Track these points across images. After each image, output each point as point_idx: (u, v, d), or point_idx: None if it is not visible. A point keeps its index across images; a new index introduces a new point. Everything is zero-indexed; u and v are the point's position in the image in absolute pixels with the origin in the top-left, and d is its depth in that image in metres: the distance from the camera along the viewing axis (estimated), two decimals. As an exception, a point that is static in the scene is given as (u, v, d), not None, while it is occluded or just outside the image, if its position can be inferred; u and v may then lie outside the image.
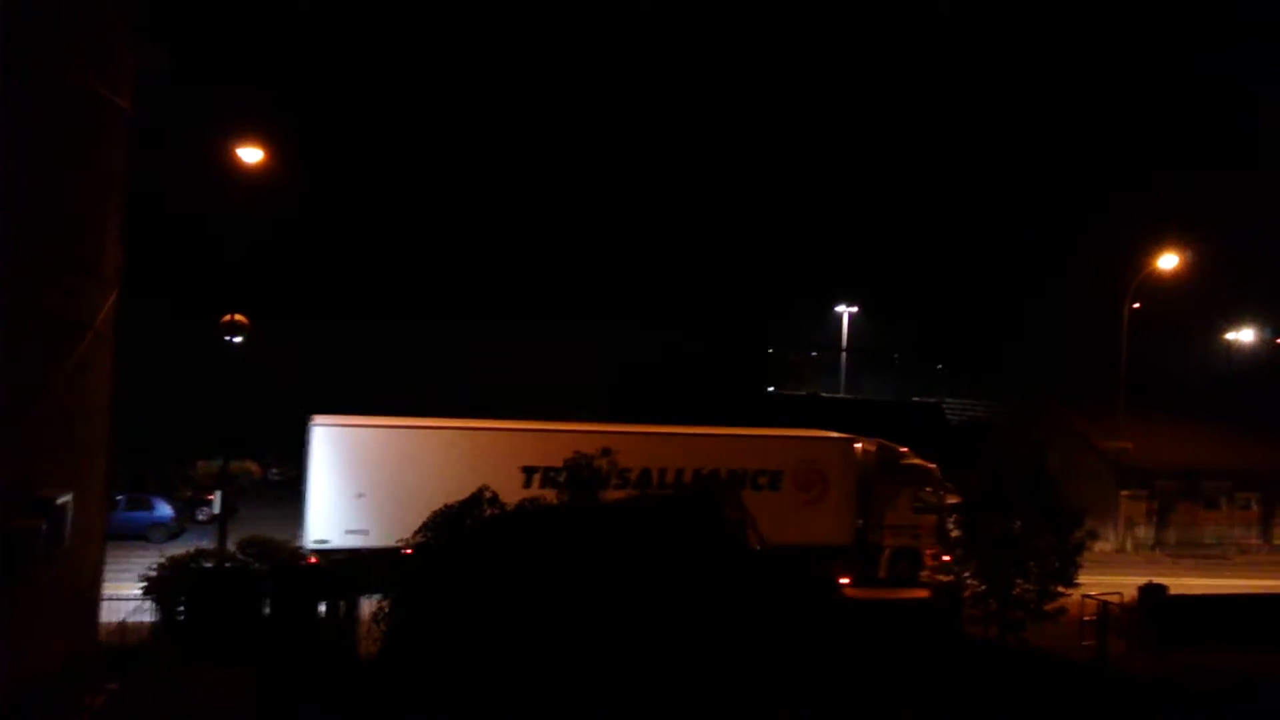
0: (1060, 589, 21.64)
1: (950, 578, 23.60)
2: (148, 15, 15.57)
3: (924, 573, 27.71)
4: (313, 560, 21.83)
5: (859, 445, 28.92)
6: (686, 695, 10.76)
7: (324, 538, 22.92)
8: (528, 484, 24.63)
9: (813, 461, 27.71)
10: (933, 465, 29.70)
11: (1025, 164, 79.12)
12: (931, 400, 64.92)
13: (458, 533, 13.09)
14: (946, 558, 28.76)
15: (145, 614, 19.18)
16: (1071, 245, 59.60)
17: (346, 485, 23.31)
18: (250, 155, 21.71)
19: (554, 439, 25.61)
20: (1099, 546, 35.74)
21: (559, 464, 24.72)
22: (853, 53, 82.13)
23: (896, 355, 75.22)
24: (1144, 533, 38.96)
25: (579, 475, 18.64)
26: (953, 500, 26.53)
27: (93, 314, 14.47)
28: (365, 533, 22.99)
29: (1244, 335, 60.58)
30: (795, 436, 29.23)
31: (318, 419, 23.90)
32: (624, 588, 11.07)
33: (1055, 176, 75.13)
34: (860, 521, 28.12)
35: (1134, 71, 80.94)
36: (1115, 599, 23.12)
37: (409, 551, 13.40)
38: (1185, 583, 27.54)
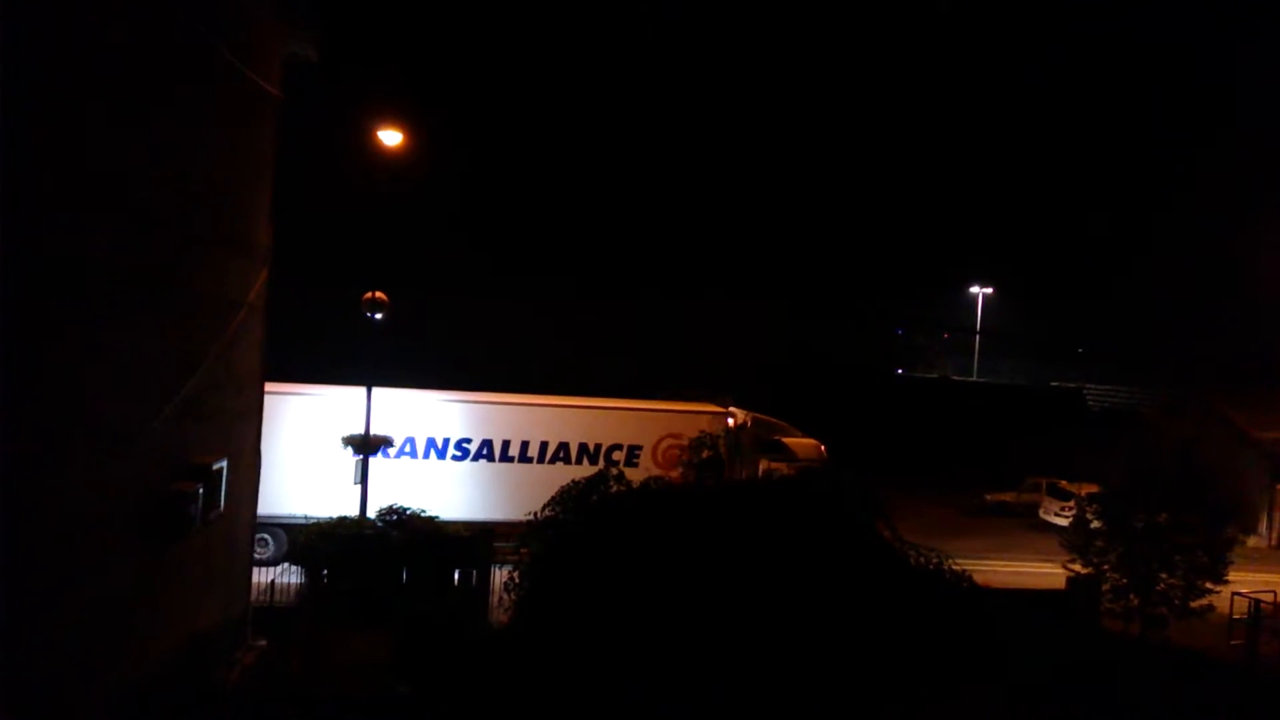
0: (1208, 585, 20.75)
1: None
2: (298, 5, 16.23)
3: None
4: None
5: (731, 420, 26.91)
6: (815, 681, 10.70)
7: None
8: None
9: (677, 436, 25.36)
10: (817, 442, 27.93)
11: (1178, 136, 75.13)
12: (1071, 386, 62.45)
13: (585, 508, 13.29)
14: None
15: (292, 576, 20.20)
16: (1227, 224, 56.40)
17: None
18: (390, 138, 22.34)
19: (402, 404, 24.06)
20: (1252, 542, 33.96)
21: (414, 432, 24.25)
22: (987, 24, 79.24)
23: (1034, 338, 72.68)
24: (1302, 529, 36.72)
25: (701, 453, 18.68)
26: (1091, 490, 25.54)
27: (246, 290, 15.22)
28: None
29: None
30: (656, 409, 26.95)
31: None
32: (753, 570, 11.06)
33: (1212, 148, 70.97)
34: None
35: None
36: (1269, 598, 21.94)
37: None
38: (1348, 584, 25.85)
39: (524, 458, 25.14)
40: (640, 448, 25.68)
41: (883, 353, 65.87)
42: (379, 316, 22.43)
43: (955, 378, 67.11)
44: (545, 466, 25.10)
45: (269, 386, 17.16)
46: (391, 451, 23.98)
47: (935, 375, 67.13)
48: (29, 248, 8.50)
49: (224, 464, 13.69)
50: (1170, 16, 78.35)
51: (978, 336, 71.42)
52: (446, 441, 24.87)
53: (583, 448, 25.47)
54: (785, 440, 28.08)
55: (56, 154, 8.95)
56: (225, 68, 13.27)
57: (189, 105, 12.33)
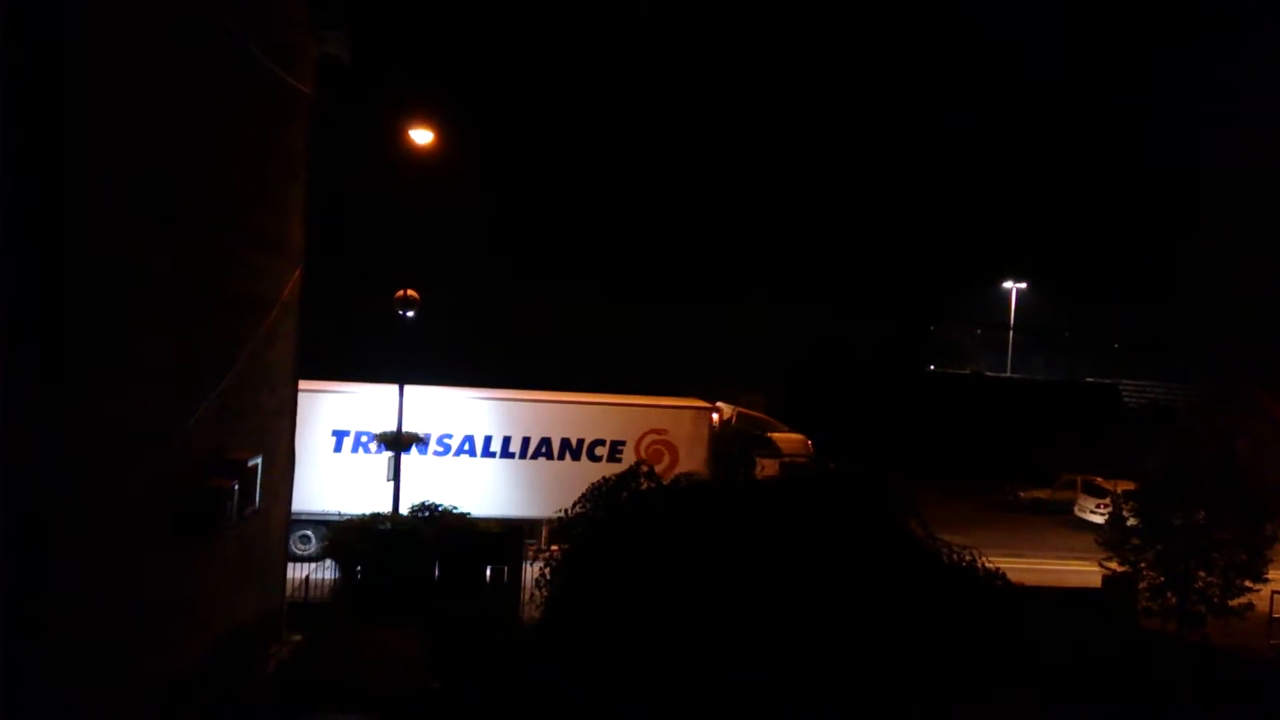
0: (1247, 583, 20.50)
1: None
2: (331, 8, 16.36)
3: None
4: None
5: (716, 415, 26.41)
6: (843, 680, 10.68)
7: None
8: (338, 448, 23.76)
9: (661, 432, 25.25)
10: (804, 437, 27.34)
11: (1211, 125, 73.96)
12: (1107, 382, 61.74)
13: (616, 505, 13.31)
14: None
15: (326, 571, 20.41)
16: (1264, 216, 55.47)
17: None
18: (421, 136, 22.45)
19: (363, 400, 23.89)
20: (1293, 540, 33.34)
21: (372, 427, 23.69)
22: (1017, 14, 78.44)
23: (1067, 333, 71.90)
24: (1347, 527, 36.03)
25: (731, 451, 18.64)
26: (1127, 487, 25.26)
27: (280, 289, 15.37)
28: None
29: None
30: (639, 404, 26.32)
31: None
32: (785, 569, 11.04)
33: (1243, 138, 69.83)
34: None
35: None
36: (1310, 597, 21.64)
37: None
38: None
39: (505, 453, 24.80)
40: (624, 443, 25.14)
41: (915, 349, 65.40)
42: (410, 314, 22.57)
43: (988, 374, 66.53)
44: (527, 462, 24.87)
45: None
46: (373, 447, 23.66)
47: (968, 371, 66.56)
48: (65, 249, 8.64)
49: (259, 461, 13.83)
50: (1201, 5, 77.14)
51: (1010, 332, 70.77)
52: (428, 436, 24.53)
53: (565, 443, 25.00)
54: (772, 435, 27.72)
55: (92, 155, 9.08)
56: (259, 69, 13.40)
57: (223, 105, 12.47)
